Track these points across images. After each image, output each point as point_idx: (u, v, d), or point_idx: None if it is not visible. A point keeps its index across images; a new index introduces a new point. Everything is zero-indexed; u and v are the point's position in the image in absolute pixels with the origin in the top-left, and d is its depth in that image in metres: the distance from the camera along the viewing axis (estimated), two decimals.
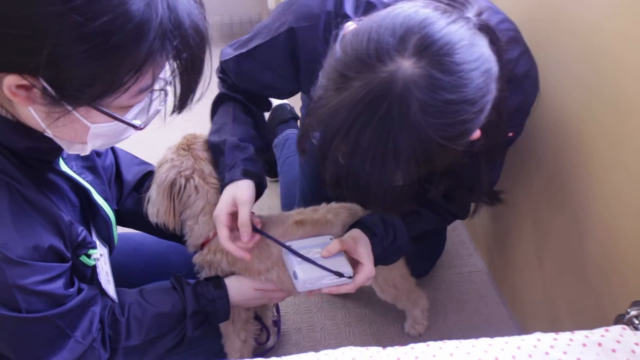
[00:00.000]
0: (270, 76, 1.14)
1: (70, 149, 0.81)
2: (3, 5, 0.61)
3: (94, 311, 0.93)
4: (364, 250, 1.06)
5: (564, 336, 0.71)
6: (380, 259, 1.12)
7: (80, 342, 0.89)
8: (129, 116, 0.76)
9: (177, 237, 1.20)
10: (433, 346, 0.69)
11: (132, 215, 1.21)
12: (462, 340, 0.70)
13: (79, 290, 0.91)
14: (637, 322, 0.74)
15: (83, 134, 0.77)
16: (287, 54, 1.07)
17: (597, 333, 0.71)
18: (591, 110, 1.04)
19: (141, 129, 0.79)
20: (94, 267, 0.96)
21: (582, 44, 1.04)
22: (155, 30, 0.68)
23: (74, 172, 0.95)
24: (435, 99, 0.71)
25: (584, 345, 0.69)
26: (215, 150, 1.14)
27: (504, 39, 0.94)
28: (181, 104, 0.78)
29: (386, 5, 0.94)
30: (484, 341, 0.70)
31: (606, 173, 1.03)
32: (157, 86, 0.76)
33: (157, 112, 0.82)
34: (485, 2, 1.00)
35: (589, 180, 1.08)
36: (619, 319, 0.83)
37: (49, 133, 0.77)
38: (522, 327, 1.46)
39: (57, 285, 0.85)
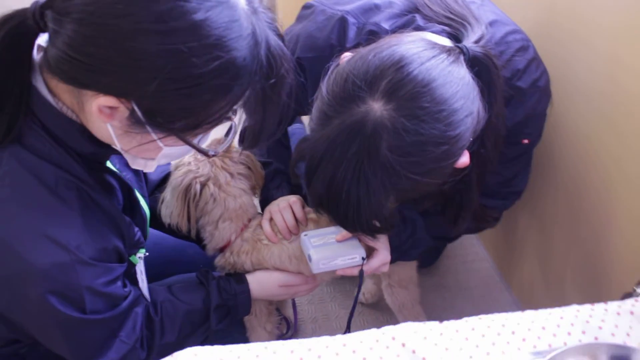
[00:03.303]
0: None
1: (133, 164, 0.84)
2: (125, 38, 0.65)
3: (137, 312, 0.94)
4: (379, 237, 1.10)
5: (599, 307, 0.78)
6: (399, 252, 1.16)
7: (125, 342, 0.90)
8: (194, 140, 0.79)
9: (191, 237, 1.20)
10: (485, 319, 0.76)
11: (150, 213, 1.23)
12: (510, 313, 0.77)
13: (129, 292, 0.92)
14: None
15: (153, 153, 0.79)
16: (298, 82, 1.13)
17: (628, 303, 0.79)
18: (602, 114, 1.11)
19: (212, 156, 0.84)
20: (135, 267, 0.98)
21: (593, 50, 1.09)
22: (252, 75, 0.72)
23: (117, 169, 0.96)
24: (401, 140, 0.78)
25: (618, 314, 0.77)
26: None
27: (511, 50, 1.01)
28: (254, 140, 0.84)
29: (387, 32, 1.00)
30: (529, 313, 0.77)
31: (604, 164, 1.10)
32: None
33: (231, 140, 0.86)
34: (493, 14, 1.04)
35: (589, 171, 1.15)
36: (627, 297, 0.90)
37: (117, 147, 0.78)
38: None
39: (118, 286, 0.87)
